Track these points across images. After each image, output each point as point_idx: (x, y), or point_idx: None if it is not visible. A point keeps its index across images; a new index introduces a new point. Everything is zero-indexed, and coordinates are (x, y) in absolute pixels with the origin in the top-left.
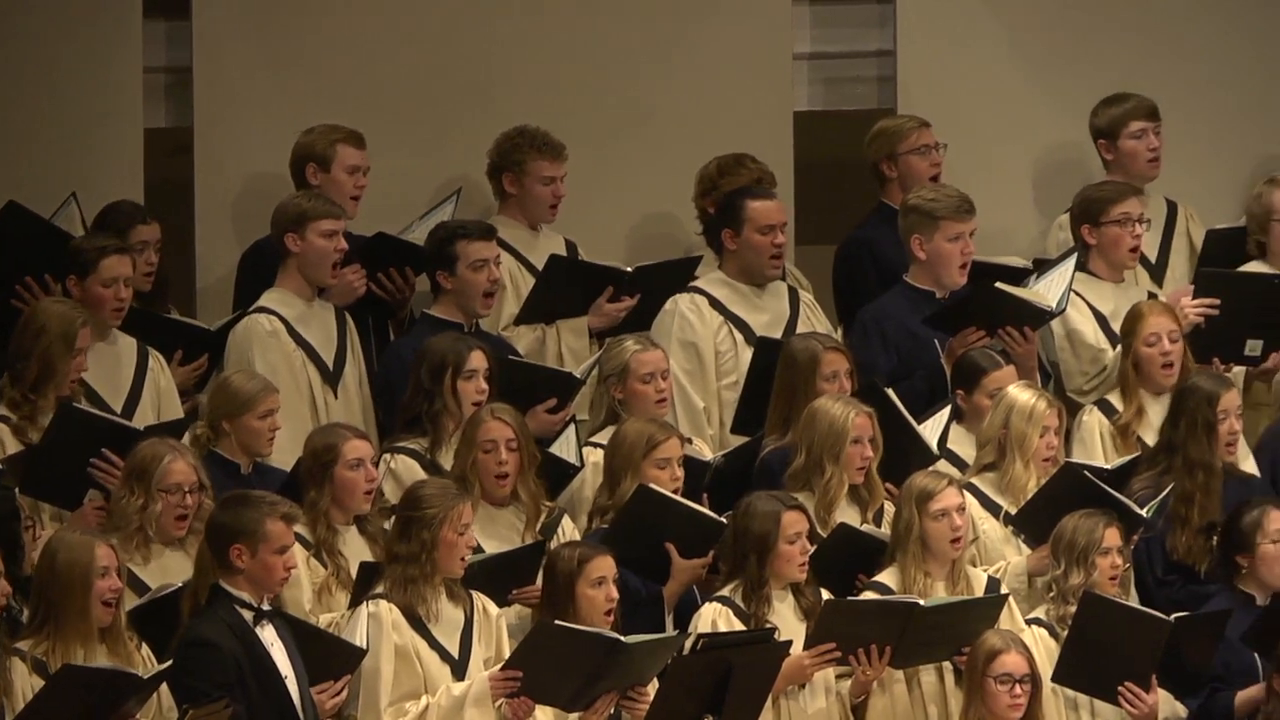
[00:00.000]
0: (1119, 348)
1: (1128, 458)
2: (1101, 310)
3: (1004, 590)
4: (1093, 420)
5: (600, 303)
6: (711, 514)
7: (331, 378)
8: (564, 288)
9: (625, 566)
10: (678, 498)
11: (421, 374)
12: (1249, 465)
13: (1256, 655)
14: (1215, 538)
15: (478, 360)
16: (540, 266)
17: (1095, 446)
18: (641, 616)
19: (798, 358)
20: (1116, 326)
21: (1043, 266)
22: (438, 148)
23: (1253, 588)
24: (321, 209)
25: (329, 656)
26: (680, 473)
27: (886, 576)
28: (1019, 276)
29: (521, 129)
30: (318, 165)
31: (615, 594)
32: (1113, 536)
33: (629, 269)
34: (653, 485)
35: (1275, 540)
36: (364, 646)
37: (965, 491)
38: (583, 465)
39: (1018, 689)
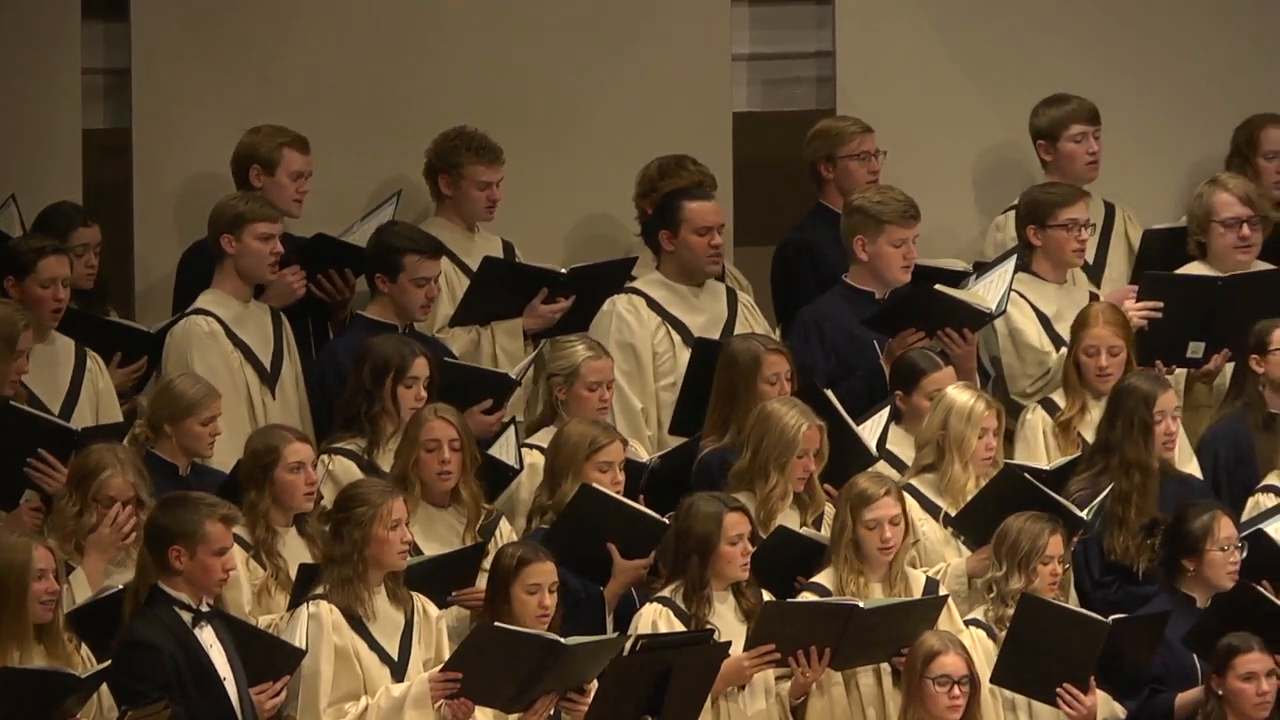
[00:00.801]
0: (1063, 349)
1: (1067, 459)
2: (1045, 311)
3: (943, 591)
4: (1036, 419)
5: (535, 304)
6: (654, 514)
7: (269, 379)
8: (499, 289)
9: (566, 567)
10: (620, 498)
11: (363, 374)
12: (1191, 466)
13: (1196, 657)
14: (1157, 537)
15: (420, 368)
16: (476, 268)
17: (1038, 445)
18: (582, 617)
19: (739, 359)
20: (1060, 327)
21: (982, 269)
22: (377, 149)
23: (1195, 590)
24: (258, 211)
25: (268, 657)
26: (621, 476)
27: (824, 578)
28: (958, 279)
29: (459, 131)
30: (262, 168)
31: (549, 602)
32: (1056, 544)
33: (564, 270)
34: (596, 485)
35: (1224, 547)
36: (304, 647)
37: (905, 493)
38: (522, 468)
39: (956, 690)
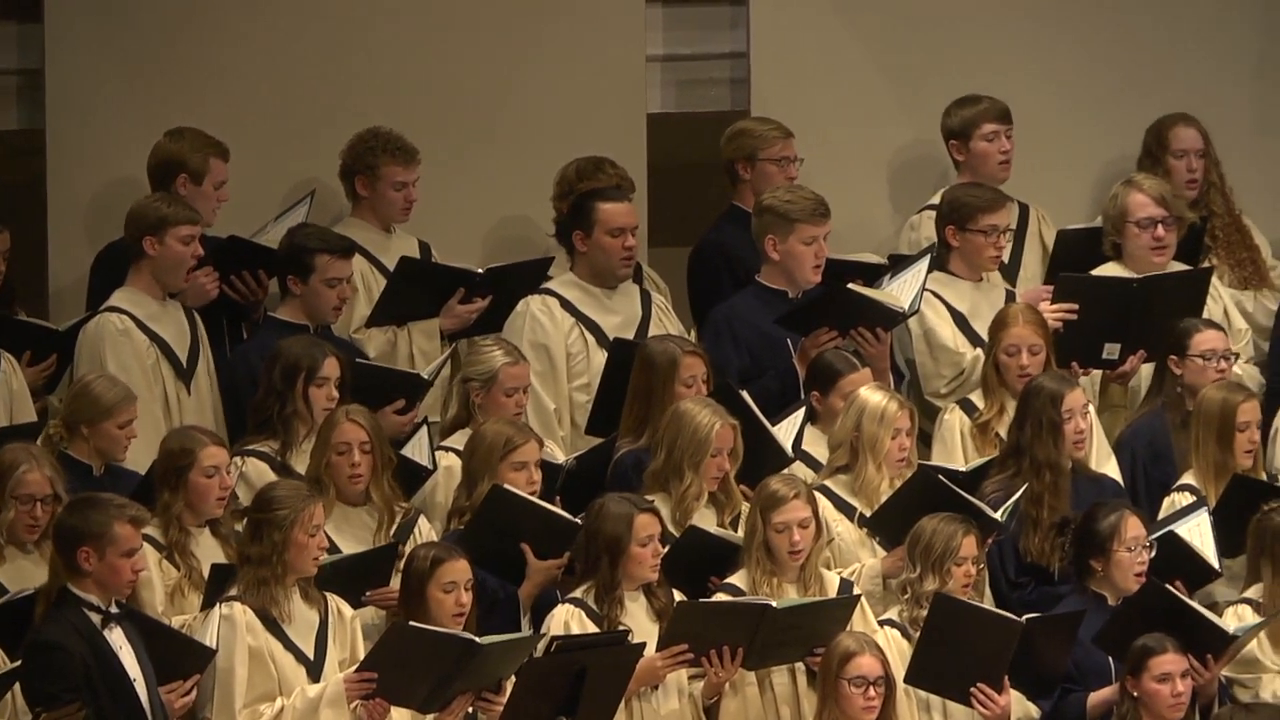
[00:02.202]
0: (978, 349)
1: (981, 460)
2: (959, 309)
3: (858, 592)
4: (953, 419)
5: (451, 304)
6: (566, 515)
7: (185, 374)
8: (415, 289)
9: (482, 567)
10: (532, 498)
11: (274, 376)
12: (1109, 466)
13: (1109, 656)
14: (1068, 537)
15: (331, 368)
16: (392, 268)
17: (955, 445)
18: (498, 617)
19: (656, 360)
20: (976, 325)
21: (897, 265)
22: (292, 150)
23: (1105, 589)
24: (181, 214)
25: (178, 656)
26: (538, 476)
27: (738, 579)
28: (874, 273)
29: (374, 131)
30: (189, 176)
31: (466, 600)
32: (970, 545)
33: (480, 270)
34: (507, 486)
35: (1131, 547)
36: (214, 648)
37: (819, 494)
38: (435, 468)
39: (871, 691)
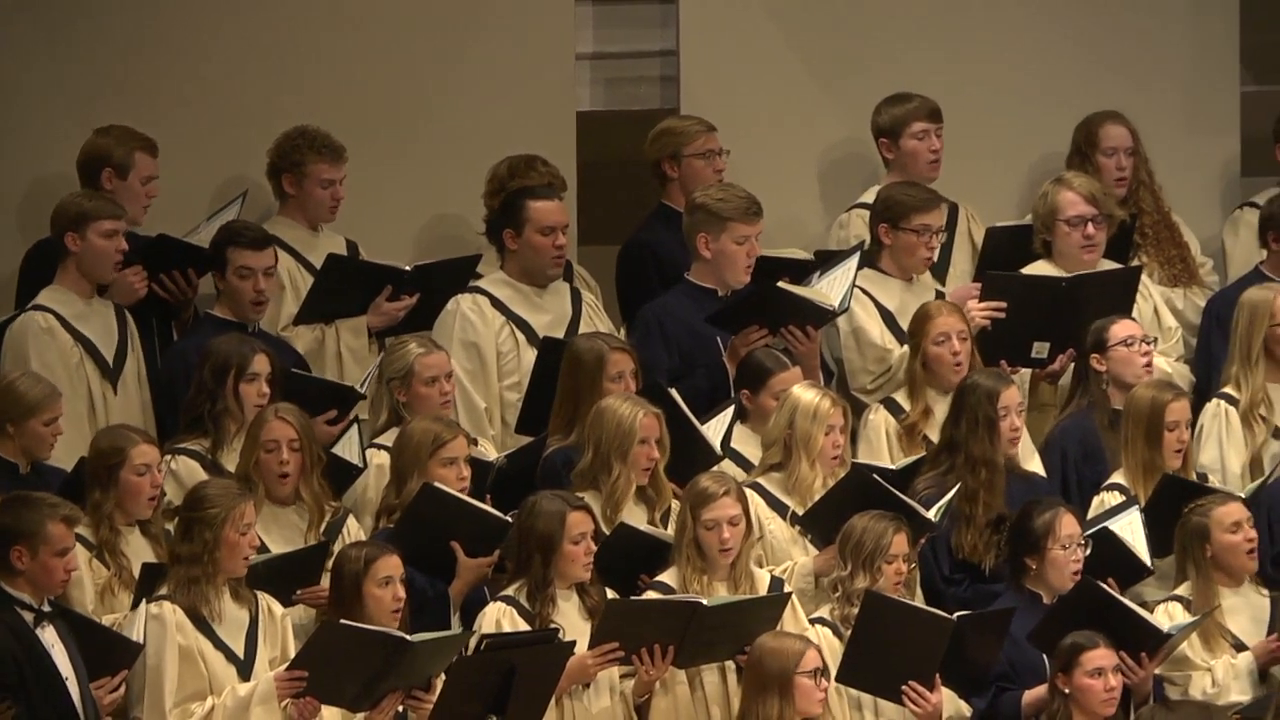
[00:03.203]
0: (905, 346)
1: (913, 458)
2: (888, 307)
3: (789, 590)
4: (879, 419)
5: (379, 302)
6: (497, 513)
7: (111, 374)
8: (342, 287)
9: (411, 565)
10: (463, 496)
11: (205, 374)
12: (1033, 464)
13: (1043, 654)
14: (1003, 534)
15: (261, 364)
16: (320, 266)
17: (881, 446)
18: (428, 615)
19: (584, 358)
20: (903, 323)
21: (826, 263)
22: (222, 149)
23: (1039, 588)
24: (102, 209)
25: (106, 651)
26: (467, 471)
27: (668, 576)
28: (803, 270)
29: (301, 130)
30: (115, 171)
31: (402, 594)
32: (900, 543)
33: (407, 268)
34: (438, 484)
35: (1066, 545)
36: (141, 642)
37: (751, 491)
38: (365, 466)
39: (824, 681)
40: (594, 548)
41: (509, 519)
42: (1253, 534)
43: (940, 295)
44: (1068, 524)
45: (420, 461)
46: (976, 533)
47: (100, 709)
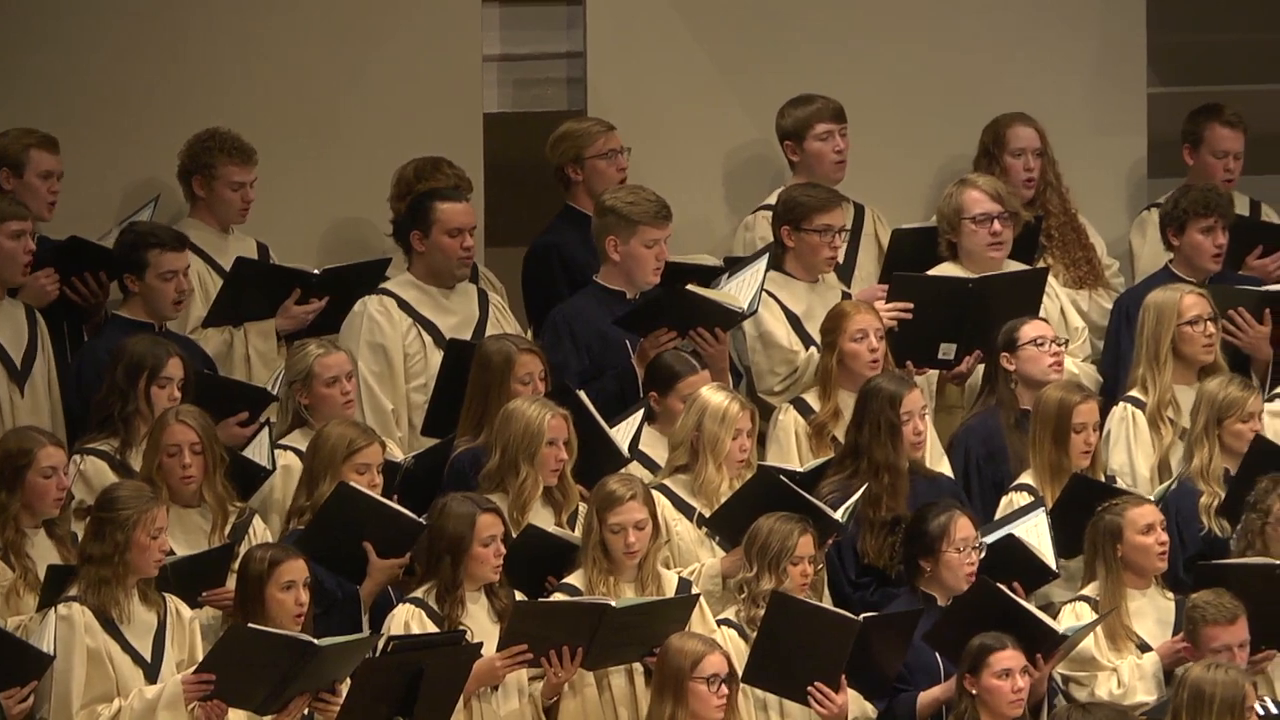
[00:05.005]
0: (812, 348)
1: (820, 461)
2: (794, 310)
3: (696, 591)
4: (788, 419)
5: (288, 305)
6: (410, 514)
7: (19, 376)
8: (251, 290)
9: (322, 565)
10: (377, 496)
11: (117, 374)
12: (941, 465)
13: (937, 655)
14: (899, 535)
15: (174, 368)
16: (229, 269)
17: (790, 446)
18: (338, 616)
19: (492, 359)
20: (809, 326)
21: (734, 265)
22: (133, 152)
23: (934, 589)
24: (8, 210)
25: (15, 661)
26: (379, 479)
27: (575, 579)
28: (711, 276)
29: (211, 132)
30: (10, 170)
31: (305, 598)
32: (806, 545)
33: (317, 271)
34: (354, 484)
35: (960, 548)
36: (51, 651)
37: (658, 493)
38: (274, 468)
39: (724, 689)
40: (504, 550)
41: (422, 520)
42: (1164, 536)
43: (846, 297)
44: (962, 527)
45: (334, 466)
46: (880, 537)
47: (8, 717)
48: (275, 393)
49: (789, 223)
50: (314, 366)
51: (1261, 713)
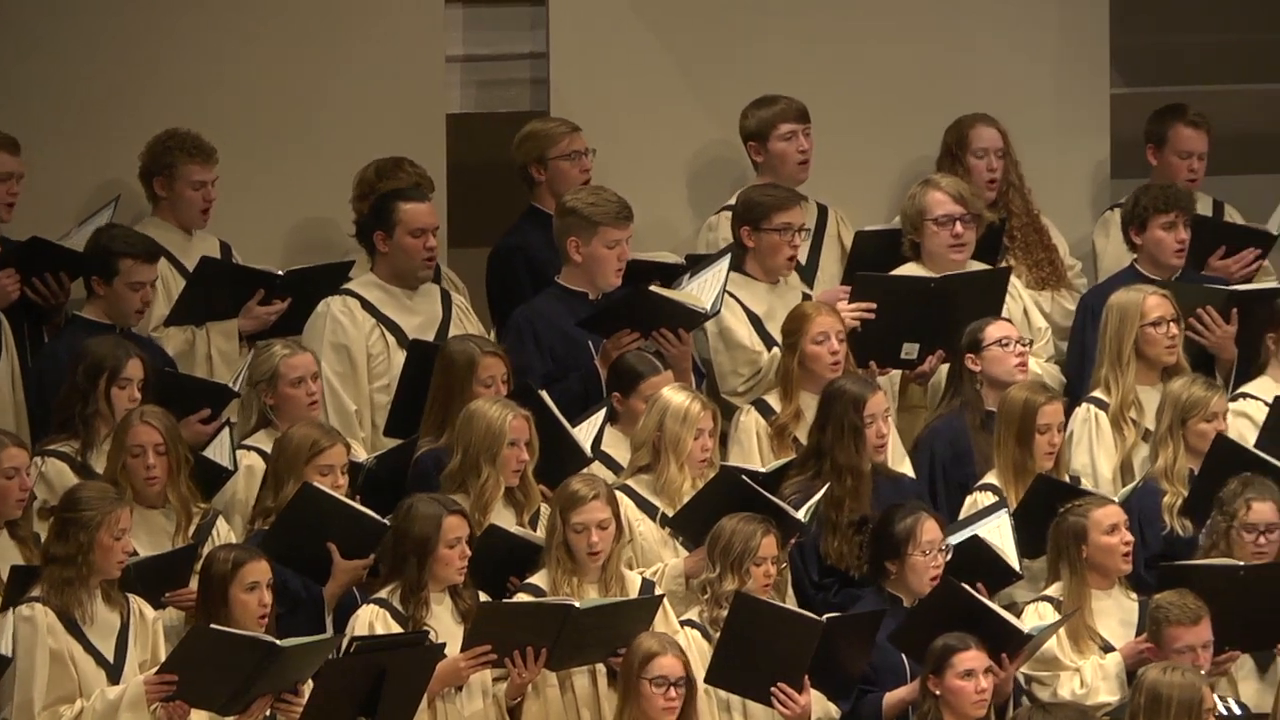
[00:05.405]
0: (774, 349)
1: (782, 461)
2: (755, 311)
3: (660, 592)
4: (750, 420)
5: (251, 305)
6: (374, 515)
7: None
8: (214, 290)
9: (287, 565)
10: (342, 497)
11: (78, 375)
12: (904, 466)
13: (904, 656)
14: (865, 536)
15: (134, 369)
16: (192, 269)
17: (752, 447)
18: (302, 616)
19: (455, 360)
20: (770, 327)
21: (697, 266)
22: (93, 152)
23: (900, 591)
24: None
25: None
26: (343, 480)
27: (539, 579)
28: (673, 273)
29: (172, 132)
30: None
31: (269, 599)
32: (769, 545)
33: (280, 272)
34: (318, 484)
35: (926, 550)
36: (10, 653)
37: (621, 494)
38: (236, 468)
39: (672, 691)
40: (469, 551)
41: (387, 521)
42: (1129, 537)
43: (806, 298)
44: (928, 529)
45: (297, 467)
46: (843, 538)
47: None
48: (237, 389)
49: (748, 223)
50: (280, 367)
51: (1224, 713)
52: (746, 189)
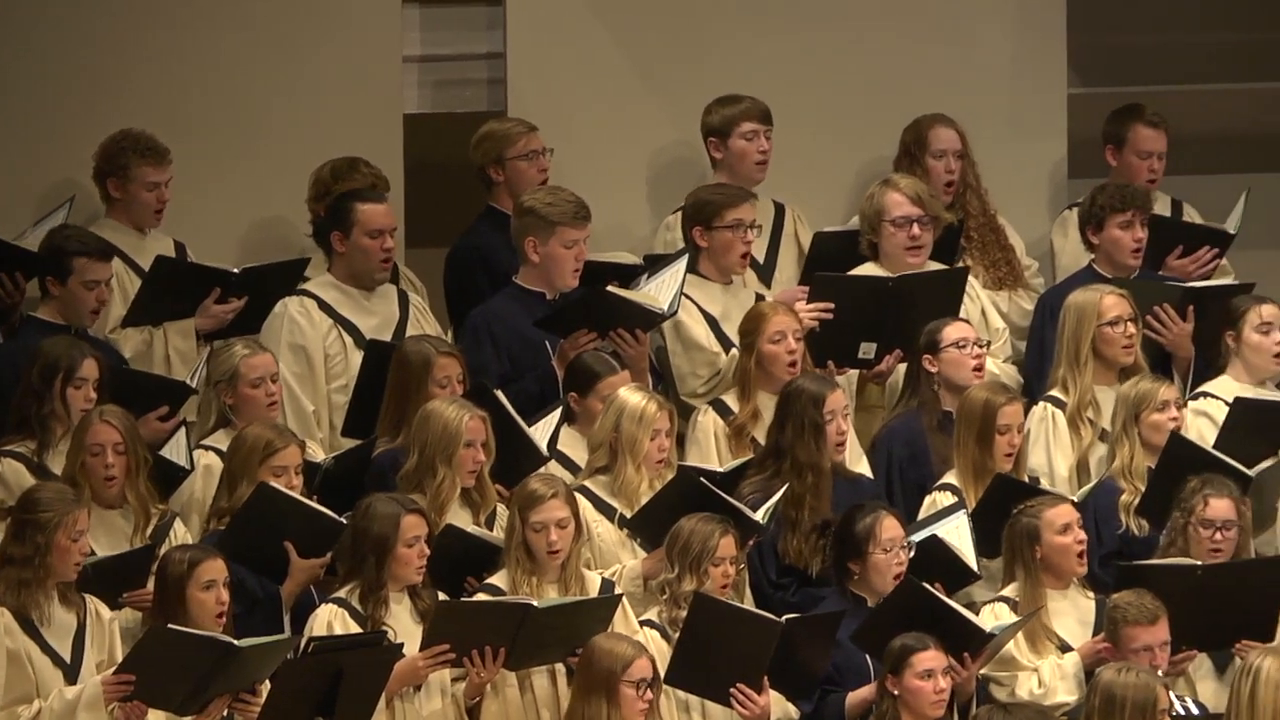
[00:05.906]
0: (733, 350)
1: (740, 461)
2: (711, 312)
3: (619, 592)
4: (707, 421)
5: (207, 304)
6: (331, 514)
7: None
8: (170, 289)
9: (243, 565)
10: (298, 496)
11: (33, 375)
12: (861, 466)
13: (867, 655)
14: (828, 538)
15: (89, 369)
16: (148, 269)
17: (709, 447)
18: (259, 615)
19: (411, 360)
20: (726, 328)
21: (654, 266)
22: (47, 153)
23: (863, 591)
24: None
25: None
26: (298, 480)
27: (498, 579)
28: (631, 274)
29: (125, 133)
30: None
31: (226, 598)
32: (728, 546)
33: (236, 270)
34: (274, 484)
35: (887, 549)
36: None
37: (579, 494)
38: (193, 468)
39: (649, 692)
40: (428, 551)
41: (343, 520)
42: (1082, 536)
43: (761, 298)
44: (889, 527)
45: (251, 468)
46: (802, 538)
47: None
48: (194, 386)
49: (700, 223)
50: (240, 367)
51: (1182, 712)
52: (695, 190)
